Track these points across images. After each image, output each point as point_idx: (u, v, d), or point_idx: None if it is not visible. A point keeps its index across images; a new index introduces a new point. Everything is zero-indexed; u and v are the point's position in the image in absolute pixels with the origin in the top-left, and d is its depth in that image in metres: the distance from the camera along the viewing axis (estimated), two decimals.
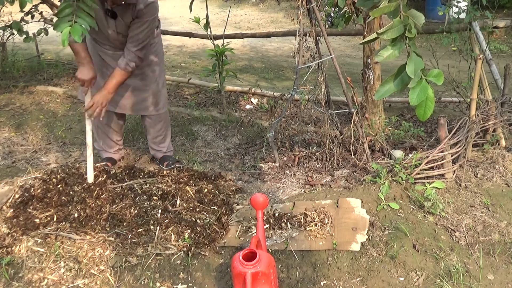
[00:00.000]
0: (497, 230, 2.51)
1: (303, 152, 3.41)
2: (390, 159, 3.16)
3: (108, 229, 2.50)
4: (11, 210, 2.65)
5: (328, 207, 2.59)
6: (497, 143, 3.28)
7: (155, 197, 2.73)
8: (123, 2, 2.85)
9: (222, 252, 2.41)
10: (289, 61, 7.39)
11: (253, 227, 2.51)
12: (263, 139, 3.71)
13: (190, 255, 2.36)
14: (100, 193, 2.74)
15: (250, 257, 1.94)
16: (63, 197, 2.72)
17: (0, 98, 4.92)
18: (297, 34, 3.22)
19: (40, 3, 5.22)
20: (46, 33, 5.48)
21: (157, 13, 2.95)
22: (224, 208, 2.68)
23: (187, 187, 2.82)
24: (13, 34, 5.54)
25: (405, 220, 2.52)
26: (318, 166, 3.24)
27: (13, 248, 2.41)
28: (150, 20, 2.90)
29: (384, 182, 2.68)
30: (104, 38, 3.01)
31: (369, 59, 3.69)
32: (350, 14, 3.53)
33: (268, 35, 7.00)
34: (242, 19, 11.72)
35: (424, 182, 2.73)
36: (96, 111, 2.85)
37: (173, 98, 5.22)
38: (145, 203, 2.69)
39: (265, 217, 2.50)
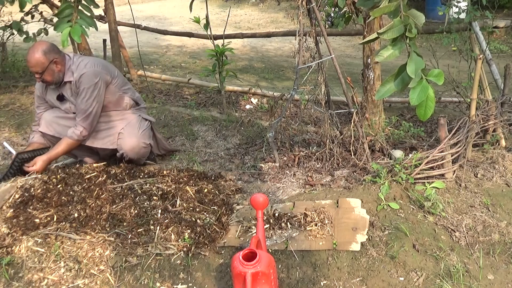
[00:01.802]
0: (497, 230, 2.51)
1: (303, 152, 3.41)
2: (390, 159, 3.16)
3: (108, 229, 2.50)
4: (11, 210, 2.65)
5: (328, 207, 2.59)
6: (497, 143, 3.28)
7: (155, 197, 2.73)
8: (63, 81, 3.04)
9: (222, 252, 2.41)
10: (289, 61, 7.39)
11: (253, 227, 2.51)
12: (263, 139, 3.71)
13: (190, 255, 2.36)
14: (100, 193, 2.74)
15: (250, 257, 1.94)
16: (63, 197, 2.72)
17: (0, 98, 4.92)
18: (297, 34, 3.22)
19: (40, 3, 5.22)
20: (46, 33, 5.47)
21: (96, 81, 3.02)
22: (224, 208, 2.68)
23: (187, 187, 2.82)
24: (13, 34, 5.54)
25: (405, 220, 2.52)
26: (318, 166, 3.23)
27: (13, 248, 2.41)
28: (87, 88, 2.99)
29: (384, 182, 2.68)
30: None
31: (369, 59, 3.69)
32: (350, 14, 3.53)
33: (268, 35, 7.01)
34: (242, 19, 11.73)
35: (424, 182, 2.73)
36: (31, 172, 2.93)
37: (173, 98, 5.22)
38: (145, 203, 2.69)
39: (265, 217, 2.50)
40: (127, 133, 3.14)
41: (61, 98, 3.13)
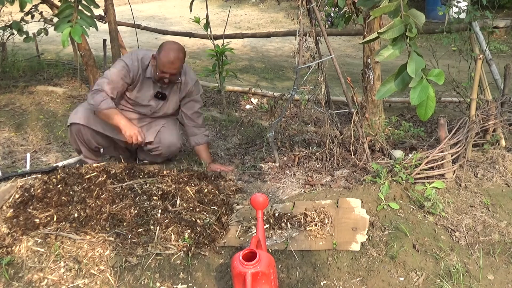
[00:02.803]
0: (497, 230, 2.51)
1: (303, 152, 3.41)
2: (390, 159, 3.16)
3: (108, 229, 2.50)
4: (11, 210, 2.65)
5: (328, 207, 2.59)
6: (497, 143, 3.28)
7: (155, 197, 2.73)
8: (177, 80, 3.11)
9: (222, 252, 2.41)
10: (290, 61, 7.39)
11: (253, 227, 2.51)
12: (263, 139, 3.70)
13: (190, 255, 2.36)
14: (100, 193, 2.74)
15: (250, 257, 1.94)
16: (63, 197, 2.72)
17: (0, 98, 4.92)
18: (297, 34, 3.22)
19: (40, 3, 5.23)
20: (46, 33, 5.48)
21: None
22: (224, 208, 2.68)
23: (187, 187, 2.82)
24: (13, 34, 5.55)
25: (405, 220, 2.52)
26: (318, 166, 3.23)
27: (13, 248, 2.41)
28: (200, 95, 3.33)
29: (384, 182, 2.68)
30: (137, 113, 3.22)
31: (369, 59, 3.69)
32: (350, 14, 3.53)
33: (268, 35, 7.01)
34: (242, 19, 11.73)
35: (424, 182, 2.73)
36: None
37: None
38: (145, 203, 2.68)
39: (265, 217, 2.50)
40: (168, 129, 3.26)
41: (163, 96, 3.15)
